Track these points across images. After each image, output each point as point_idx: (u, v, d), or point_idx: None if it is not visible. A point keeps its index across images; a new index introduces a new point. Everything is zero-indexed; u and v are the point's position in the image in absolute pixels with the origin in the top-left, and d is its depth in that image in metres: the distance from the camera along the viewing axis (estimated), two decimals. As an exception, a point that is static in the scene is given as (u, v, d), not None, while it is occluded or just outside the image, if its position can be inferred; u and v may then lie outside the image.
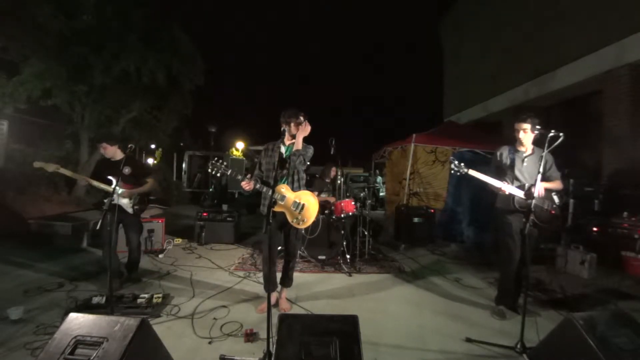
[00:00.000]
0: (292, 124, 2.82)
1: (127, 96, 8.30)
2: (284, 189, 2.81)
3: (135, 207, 3.46)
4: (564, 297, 3.42)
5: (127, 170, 3.28)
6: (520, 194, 2.77)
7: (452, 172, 2.76)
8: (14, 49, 6.74)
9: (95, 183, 3.23)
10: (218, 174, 2.66)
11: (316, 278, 3.94)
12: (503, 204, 2.91)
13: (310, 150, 2.89)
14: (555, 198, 2.91)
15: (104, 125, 8.35)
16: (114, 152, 3.42)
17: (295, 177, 2.88)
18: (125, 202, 3.37)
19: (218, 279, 3.79)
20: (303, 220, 2.85)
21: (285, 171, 2.83)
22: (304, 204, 2.84)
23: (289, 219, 2.83)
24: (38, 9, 6.42)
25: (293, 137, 2.83)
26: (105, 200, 3.15)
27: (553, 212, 2.88)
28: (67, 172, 3.21)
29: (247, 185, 2.70)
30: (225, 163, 2.65)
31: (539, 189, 2.64)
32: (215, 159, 2.73)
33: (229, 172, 2.65)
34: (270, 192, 2.59)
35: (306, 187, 2.98)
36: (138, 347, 1.57)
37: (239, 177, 2.72)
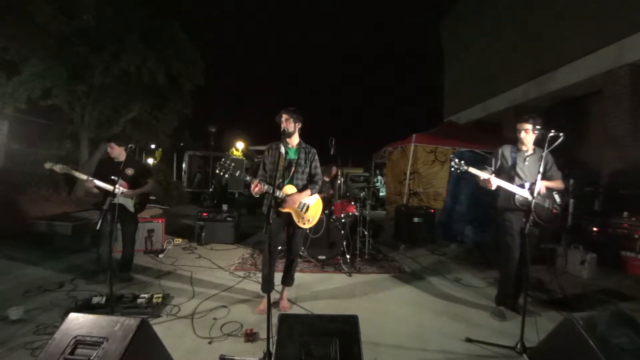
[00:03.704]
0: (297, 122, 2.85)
1: (127, 96, 8.29)
2: (289, 189, 2.82)
3: (136, 205, 3.58)
4: (564, 297, 3.42)
5: (129, 171, 3.43)
6: (519, 191, 2.78)
7: (452, 169, 2.77)
8: (14, 49, 6.74)
9: (100, 183, 3.28)
10: (226, 175, 2.61)
11: (316, 278, 3.94)
12: (504, 202, 2.92)
13: (316, 159, 2.99)
14: (557, 197, 2.92)
15: (104, 125, 8.35)
16: (120, 153, 3.53)
17: (300, 177, 2.90)
18: (127, 201, 3.48)
19: (218, 279, 3.79)
20: (308, 220, 2.92)
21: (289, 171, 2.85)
22: (308, 204, 2.90)
23: (295, 219, 2.87)
24: (38, 9, 6.42)
25: (289, 136, 2.84)
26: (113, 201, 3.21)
27: (555, 211, 2.89)
28: (76, 174, 3.28)
29: (257, 188, 2.63)
30: (233, 164, 2.60)
31: (540, 187, 2.67)
32: (223, 159, 2.71)
33: (237, 173, 2.61)
34: (272, 192, 2.60)
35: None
36: (138, 347, 1.57)
37: (248, 178, 2.70)
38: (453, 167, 2.74)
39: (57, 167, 3.22)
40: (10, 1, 6.28)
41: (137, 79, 7.84)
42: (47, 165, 3.23)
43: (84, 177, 3.25)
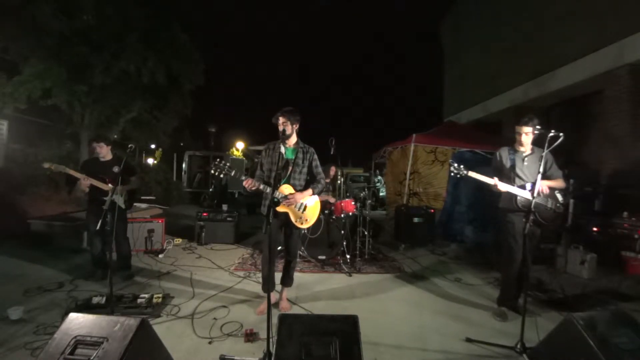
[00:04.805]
0: (294, 123, 2.84)
1: (127, 96, 8.29)
2: (286, 189, 2.82)
3: (126, 202, 3.67)
4: (564, 297, 3.42)
5: (116, 169, 3.51)
6: (522, 193, 2.78)
7: (452, 174, 2.76)
8: (14, 49, 6.74)
9: (95, 182, 3.38)
10: (221, 175, 2.62)
11: (316, 278, 3.94)
12: (506, 203, 2.91)
13: (316, 157, 2.98)
14: (559, 196, 2.92)
15: (104, 125, 8.35)
16: (107, 152, 3.65)
17: (297, 177, 2.89)
18: (118, 198, 3.50)
19: (218, 279, 3.79)
20: (306, 220, 2.90)
21: (287, 171, 2.84)
22: (306, 204, 2.88)
23: (293, 219, 2.85)
24: (38, 9, 6.42)
25: (288, 137, 2.84)
26: (105, 199, 3.24)
27: (558, 210, 2.89)
28: (72, 172, 3.40)
29: (248, 183, 2.66)
30: (228, 164, 2.61)
31: (542, 187, 2.67)
32: (218, 160, 2.71)
33: (232, 173, 2.61)
34: (270, 193, 2.60)
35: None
36: (138, 347, 1.57)
37: (243, 177, 2.70)
38: (453, 172, 2.74)
39: (55, 167, 3.38)
40: (10, 1, 6.27)
41: (137, 79, 7.85)
42: (46, 165, 3.40)
43: (80, 176, 3.36)
